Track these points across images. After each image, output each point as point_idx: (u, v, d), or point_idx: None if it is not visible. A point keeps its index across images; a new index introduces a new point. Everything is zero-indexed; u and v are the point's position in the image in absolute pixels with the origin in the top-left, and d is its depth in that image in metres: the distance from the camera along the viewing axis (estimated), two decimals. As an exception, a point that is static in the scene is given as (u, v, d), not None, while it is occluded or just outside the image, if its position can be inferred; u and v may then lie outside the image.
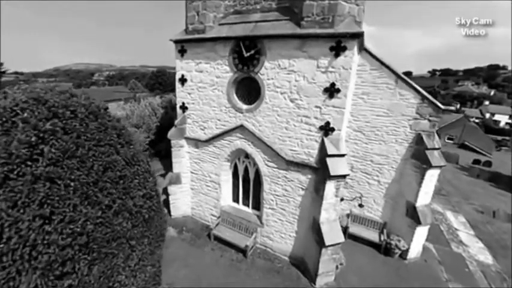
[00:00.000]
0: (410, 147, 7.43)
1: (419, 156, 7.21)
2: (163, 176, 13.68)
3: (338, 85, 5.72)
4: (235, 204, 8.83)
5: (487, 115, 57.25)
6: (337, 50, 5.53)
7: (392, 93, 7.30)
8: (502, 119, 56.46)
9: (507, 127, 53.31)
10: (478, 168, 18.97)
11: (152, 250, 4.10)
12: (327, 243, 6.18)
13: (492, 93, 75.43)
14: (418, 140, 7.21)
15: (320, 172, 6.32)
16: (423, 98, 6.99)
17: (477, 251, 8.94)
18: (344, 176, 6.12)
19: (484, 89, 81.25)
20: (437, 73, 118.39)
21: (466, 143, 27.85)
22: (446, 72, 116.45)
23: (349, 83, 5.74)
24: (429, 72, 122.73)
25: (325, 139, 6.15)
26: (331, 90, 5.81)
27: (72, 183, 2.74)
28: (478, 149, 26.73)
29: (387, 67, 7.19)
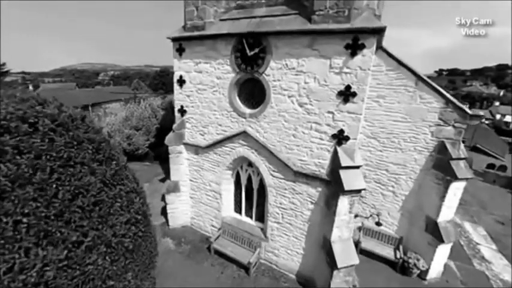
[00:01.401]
0: (431, 156, 6.70)
1: (442, 166, 6.48)
2: (163, 180, 13.16)
3: (354, 88, 5.04)
4: (237, 215, 8.19)
5: (498, 116, 55.57)
6: (354, 48, 4.84)
7: (411, 96, 6.59)
8: (513, 121, 54.66)
9: (518, 128, 51.57)
10: (493, 173, 17.99)
11: (138, 284, 3.48)
12: (339, 266, 5.50)
13: (502, 93, 73.45)
14: (441, 149, 6.48)
15: (332, 185, 5.64)
16: (447, 102, 6.26)
17: (502, 269, 8.15)
18: (359, 191, 5.43)
19: (493, 89, 79.20)
20: (444, 73, 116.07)
21: (478, 145, 26.72)
22: (453, 72, 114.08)
23: (366, 86, 5.05)
24: (436, 72, 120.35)
25: (339, 149, 5.47)
26: (346, 94, 5.13)
27: (24, 219, 2.13)
28: (491, 152, 25.65)
29: (406, 67, 6.48)
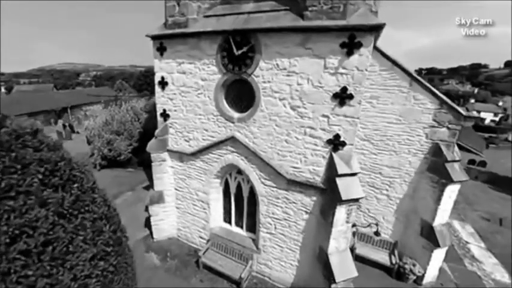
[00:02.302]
0: (426, 158, 6.54)
1: (436, 169, 6.33)
2: (147, 188, 12.37)
3: (351, 90, 4.69)
4: (227, 226, 7.68)
5: (474, 113, 58.45)
6: (350, 46, 4.49)
7: (405, 97, 6.40)
8: (487, 117, 57.86)
9: (492, 124, 54.52)
10: (475, 169, 18.62)
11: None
12: (337, 280, 5.15)
13: (476, 91, 77.58)
14: (436, 151, 6.33)
15: (328, 194, 5.28)
16: (442, 103, 6.10)
17: (492, 268, 8.21)
18: (357, 199, 5.11)
19: (468, 87, 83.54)
20: (424, 72, 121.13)
21: (459, 142, 27.73)
22: (431, 71, 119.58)
23: (363, 88, 4.73)
24: (416, 71, 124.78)
25: (334, 155, 5.12)
26: (342, 96, 4.77)
27: None
28: (470, 148, 26.71)
29: (400, 68, 6.27)
